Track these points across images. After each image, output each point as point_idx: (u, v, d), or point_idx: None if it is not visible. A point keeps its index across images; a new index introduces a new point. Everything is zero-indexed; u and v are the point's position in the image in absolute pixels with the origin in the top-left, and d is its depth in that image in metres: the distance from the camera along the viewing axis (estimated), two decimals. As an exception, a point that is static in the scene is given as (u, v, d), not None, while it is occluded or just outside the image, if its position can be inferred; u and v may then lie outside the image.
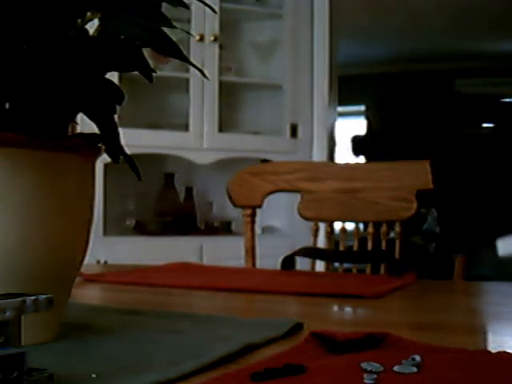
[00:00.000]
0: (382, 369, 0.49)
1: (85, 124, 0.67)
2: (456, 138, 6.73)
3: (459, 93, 6.87)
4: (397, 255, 1.50)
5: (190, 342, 0.61)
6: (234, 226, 3.04)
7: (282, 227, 3.10)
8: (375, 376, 0.47)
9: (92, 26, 0.61)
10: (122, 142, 0.63)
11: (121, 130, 0.63)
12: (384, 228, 1.55)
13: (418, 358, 0.52)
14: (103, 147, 0.63)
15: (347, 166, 1.62)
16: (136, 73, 0.63)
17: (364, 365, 0.50)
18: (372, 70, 7.10)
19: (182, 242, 2.87)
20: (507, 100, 6.76)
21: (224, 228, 3.05)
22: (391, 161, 1.56)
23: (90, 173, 0.64)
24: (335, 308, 0.96)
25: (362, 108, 7.47)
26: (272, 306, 0.94)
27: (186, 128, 2.91)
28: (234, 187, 1.64)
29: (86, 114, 0.61)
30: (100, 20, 0.60)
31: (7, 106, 0.58)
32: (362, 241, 1.54)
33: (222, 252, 2.82)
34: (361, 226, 2.88)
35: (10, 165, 0.57)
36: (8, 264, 0.57)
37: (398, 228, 1.54)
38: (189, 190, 3.06)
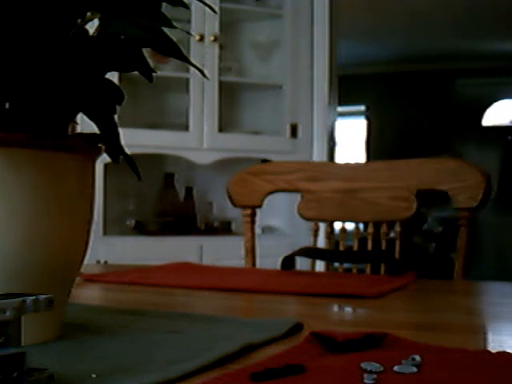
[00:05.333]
0: (382, 369, 0.49)
1: (85, 124, 0.67)
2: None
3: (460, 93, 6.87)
4: (397, 255, 1.50)
5: (190, 342, 0.61)
6: (233, 226, 3.04)
7: (281, 227, 3.10)
8: (375, 376, 0.47)
9: (92, 26, 0.61)
10: (122, 142, 0.63)
11: (121, 130, 0.63)
12: (384, 228, 1.55)
13: (417, 358, 0.52)
14: (103, 147, 0.63)
15: (347, 165, 1.62)
16: (136, 73, 0.63)
17: (364, 365, 0.50)
18: (372, 70, 7.10)
19: (182, 241, 2.87)
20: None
21: (224, 228, 3.05)
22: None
23: (90, 173, 0.64)
24: (335, 308, 0.96)
25: (362, 108, 7.46)
26: (272, 305, 0.94)
27: (186, 128, 2.91)
28: (234, 187, 1.64)
29: (86, 114, 0.61)
30: (100, 20, 0.60)
31: (7, 105, 0.58)
32: (362, 241, 1.54)
33: (222, 252, 2.82)
34: (361, 226, 2.88)
35: (9, 164, 0.57)
36: (8, 264, 0.57)
37: (398, 228, 1.54)
38: (189, 190, 3.06)
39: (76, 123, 0.64)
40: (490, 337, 0.77)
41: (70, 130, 0.62)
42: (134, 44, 0.61)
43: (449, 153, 6.26)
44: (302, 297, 1.00)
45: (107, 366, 0.52)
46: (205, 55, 2.88)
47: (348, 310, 0.94)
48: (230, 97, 3.08)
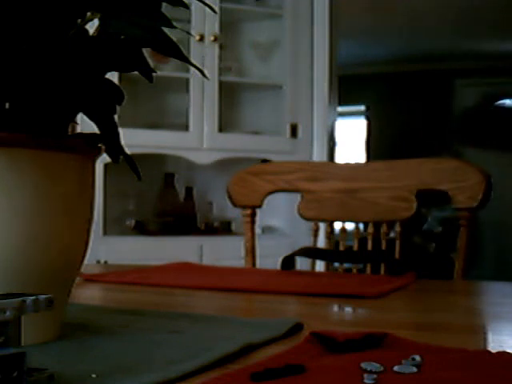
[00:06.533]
0: (382, 369, 0.49)
1: (85, 124, 0.67)
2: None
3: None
4: (397, 255, 1.50)
5: (190, 342, 0.61)
6: (233, 226, 3.04)
7: (282, 227, 3.10)
8: (375, 376, 0.47)
9: (92, 26, 0.61)
10: (122, 142, 0.63)
11: (121, 130, 0.63)
12: (384, 228, 1.55)
13: (418, 358, 0.52)
14: (103, 147, 0.63)
15: (347, 166, 1.62)
16: (136, 73, 0.63)
17: (364, 365, 0.50)
18: (372, 70, 7.10)
19: (182, 241, 2.87)
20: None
21: (224, 228, 3.05)
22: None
23: (90, 173, 0.64)
24: (335, 308, 0.96)
25: (362, 108, 7.46)
26: (272, 305, 0.94)
27: (186, 128, 2.91)
28: (234, 187, 1.64)
29: (85, 114, 0.61)
30: (100, 20, 0.60)
31: (7, 105, 0.58)
32: (362, 241, 1.54)
33: (222, 252, 2.82)
34: (361, 226, 2.88)
35: (9, 164, 0.57)
36: (8, 264, 0.57)
37: (398, 228, 1.54)
38: (189, 190, 3.06)
39: (76, 123, 0.64)
40: (490, 337, 0.77)
41: (70, 129, 0.62)
42: (133, 44, 0.61)
43: (449, 153, 6.26)
44: (302, 297, 1.00)
45: (107, 365, 0.52)
46: (205, 55, 2.88)
47: (348, 309, 0.94)
48: (230, 97, 3.08)
